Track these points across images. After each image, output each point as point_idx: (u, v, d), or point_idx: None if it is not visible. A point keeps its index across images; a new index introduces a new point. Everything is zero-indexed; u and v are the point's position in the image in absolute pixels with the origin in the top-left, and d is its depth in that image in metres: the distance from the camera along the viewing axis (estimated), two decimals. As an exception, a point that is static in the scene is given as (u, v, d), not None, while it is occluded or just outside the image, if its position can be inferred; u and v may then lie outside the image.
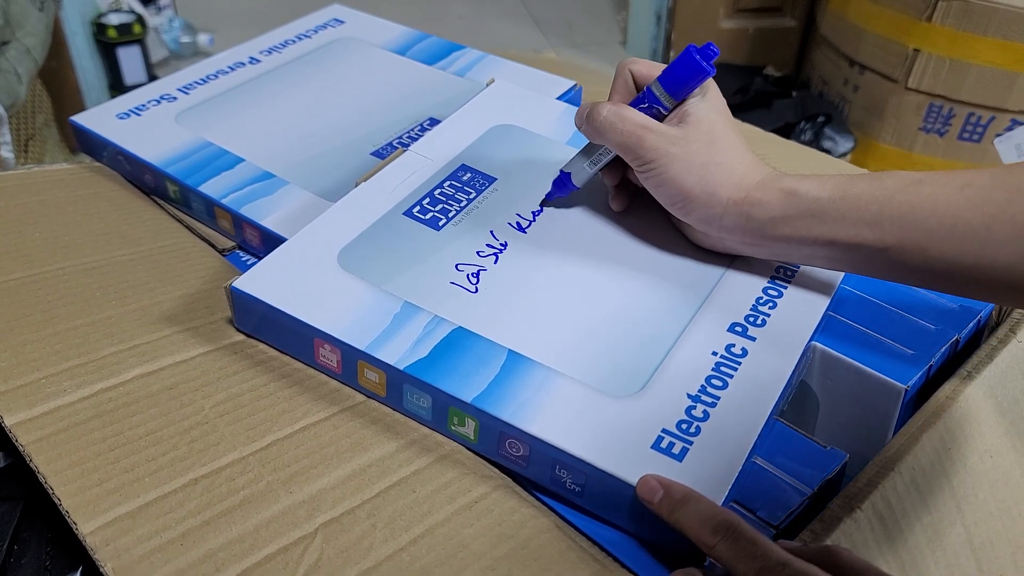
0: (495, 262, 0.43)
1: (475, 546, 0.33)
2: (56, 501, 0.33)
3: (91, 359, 0.40)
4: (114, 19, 1.71)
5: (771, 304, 0.42)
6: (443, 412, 0.38)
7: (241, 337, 0.42)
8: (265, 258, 0.42)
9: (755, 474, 0.37)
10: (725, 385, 0.38)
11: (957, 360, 0.45)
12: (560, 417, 0.36)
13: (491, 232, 0.45)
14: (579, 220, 0.47)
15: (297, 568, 0.32)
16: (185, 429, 0.37)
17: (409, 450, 0.37)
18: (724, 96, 0.43)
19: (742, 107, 1.68)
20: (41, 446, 0.35)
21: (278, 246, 0.43)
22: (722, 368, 0.38)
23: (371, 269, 0.42)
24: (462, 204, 0.47)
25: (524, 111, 0.54)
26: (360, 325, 0.39)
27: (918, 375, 0.42)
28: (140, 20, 1.74)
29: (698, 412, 0.36)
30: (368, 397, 0.40)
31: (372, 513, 0.34)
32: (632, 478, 0.34)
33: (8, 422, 0.36)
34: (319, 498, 0.35)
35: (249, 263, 0.50)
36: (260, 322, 0.42)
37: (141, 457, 0.35)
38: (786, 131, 1.62)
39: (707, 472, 0.34)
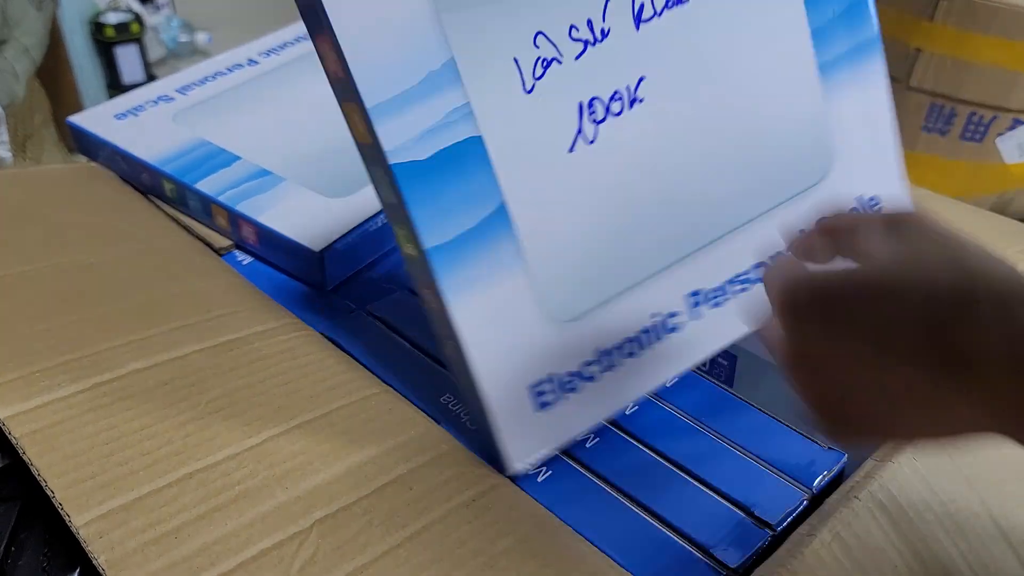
0: (577, 58, 0.33)
1: (472, 543, 0.33)
2: (50, 493, 0.33)
3: (86, 354, 0.39)
4: (112, 18, 1.71)
5: (744, 287, 0.40)
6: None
7: (237, 335, 0.42)
8: None
9: (754, 474, 0.37)
10: (633, 355, 0.37)
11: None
12: (488, 319, 0.34)
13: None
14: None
15: (292, 563, 0.32)
16: (180, 424, 0.37)
17: (406, 448, 0.37)
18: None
19: (742, 107, 1.68)
20: (35, 439, 0.35)
21: (274, 243, 0.43)
22: (644, 334, 0.37)
23: None
24: None
25: None
26: (388, 72, 0.30)
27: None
28: (138, 19, 1.74)
29: (592, 371, 0.36)
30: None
31: (368, 510, 0.34)
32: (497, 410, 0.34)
33: (2, 415, 0.36)
34: (315, 494, 0.34)
35: (246, 263, 0.50)
36: None
37: (135, 451, 0.35)
38: (786, 131, 1.62)
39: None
